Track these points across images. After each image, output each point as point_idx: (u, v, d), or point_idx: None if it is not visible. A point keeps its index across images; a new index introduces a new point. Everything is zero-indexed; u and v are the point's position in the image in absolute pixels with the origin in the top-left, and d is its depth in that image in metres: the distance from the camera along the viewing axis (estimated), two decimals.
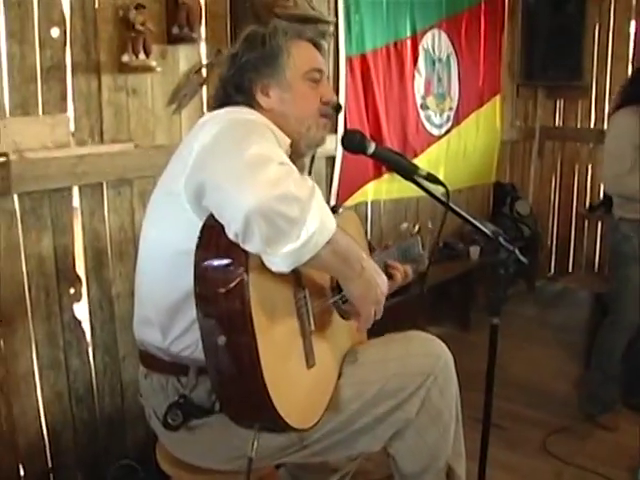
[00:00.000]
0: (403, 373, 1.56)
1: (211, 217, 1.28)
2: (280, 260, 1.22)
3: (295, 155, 1.55)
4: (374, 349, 1.65)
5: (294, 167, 1.28)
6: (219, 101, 1.58)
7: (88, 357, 2.24)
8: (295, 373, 1.39)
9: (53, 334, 2.12)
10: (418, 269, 3.74)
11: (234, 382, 1.29)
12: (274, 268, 1.23)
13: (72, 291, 2.17)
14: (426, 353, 1.62)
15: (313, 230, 1.20)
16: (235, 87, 1.55)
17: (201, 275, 1.27)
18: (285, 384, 1.33)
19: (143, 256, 1.53)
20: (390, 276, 1.73)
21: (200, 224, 1.30)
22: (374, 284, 1.41)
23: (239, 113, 1.46)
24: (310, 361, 1.44)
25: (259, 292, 1.26)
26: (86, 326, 2.23)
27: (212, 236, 1.27)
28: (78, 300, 2.19)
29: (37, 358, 2.08)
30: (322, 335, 1.53)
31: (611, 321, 2.86)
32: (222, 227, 1.24)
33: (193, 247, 1.29)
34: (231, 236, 1.22)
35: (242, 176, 1.20)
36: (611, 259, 3.00)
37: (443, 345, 1.67)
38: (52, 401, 2.14)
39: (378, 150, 1.57)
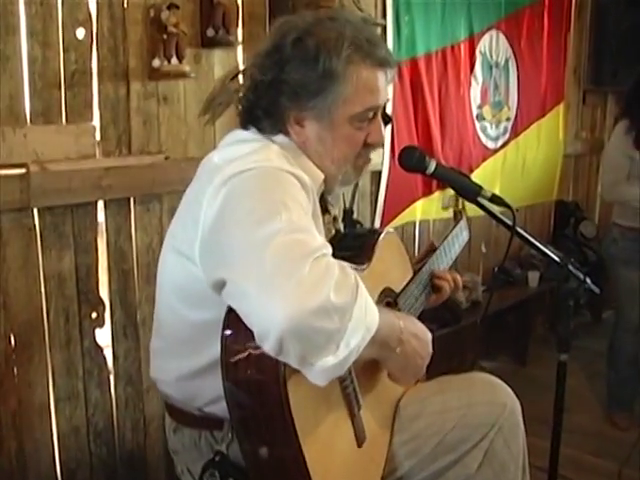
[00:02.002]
0: (464, 424, 1.51)
1: None
2: (315, 374, 1.13)
3: (326, 192, 1.48)
4: (431, 398, 1.59)
5: (328, 247, 1.16)
6: (244, 118, 1.43)
7: (109, 388, 2.21)
8: (346, 460, 1.35)
9: (72, 362, 2.10)
10: (471, 297, 3.68)
11: None
12: (309, 379, 1.14)
13: (94, 315, 2.15)
14: (490, 401, 1.55)
15: (356, 343, 1.12)
16: (265, 109, 1.38)
17: (229, 347, 1.21)
18: (336, 477, 1.30)
19: (160, 318, 1.46)
20: (438, 289, 1.72)
21: (222, 298, 1.21)
22: (412, 355, 1.34)
23: (255, 157, 1.27)
24: (360, 438, 1.39)
25: (297, 378, 1.18)
26: (108, 354, 2.21)
27: None
28: (100, 325, 2.17)
29: (53, 388, 2.06)
30: (369, 394, 1.46)
31: (615, 321, 3.31)
32: None
33: (215, 317, 1.22)
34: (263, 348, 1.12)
35: (271, 282, 1.07)
36: (605, 262, 3.56)
37: (508, 390, 1.61)
38: (68, 436, 2.12)
39: (439, 169, 1.52)
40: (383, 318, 1.21)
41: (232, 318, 1.18)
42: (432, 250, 1.79)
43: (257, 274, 1.09)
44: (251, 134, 1.40)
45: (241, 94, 1.45)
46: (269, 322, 1.06)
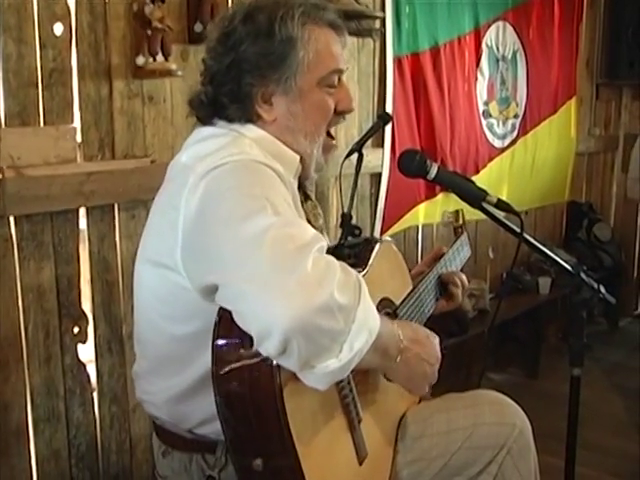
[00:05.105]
0: (470, 446, 1.52)
1: None
2: (316, 378, 1.13)
3: (303, 177, 1.48)
4: (435, 417, 1.59)
5: (322, 238, 1.17)
6: (209, 112, 1.41)
7: (92, 407, 2.20)
8: (346, 476, 1.35)
9: (52, 380, 2.09)
10: (478, 305, 3.68)
11: None
12: (308, 384, 1.14)
13: (76, 330, 2.14)
14: (497, 421, 1.57)
15: (359, 347, 1.12)
16: (230, 94, 1.38)
17: (220, 357, 1.20)
18: None
19: (141, 338, 1.46)
20: (449, 295, 1.77)
21: (210, 306, 1.21)
22: (416, 362, 1.34)
23: (228, 151, 1.28)
24: (361, 453, 1.39)
25: (294, 386, 1.18)
26: (91, 371, 2.20)
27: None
28: (83, 341, 2.17)
29: (32, 409, 2.05)
30: (370, 408, 1.46)
31: None
32: None
33: (203, 328, 1.22)
34: (262, 352, 1.11)
35: (271, 279, 1.07)
36: None
37: (518, 409, 1.62)
38: (48, 460, 2.10)
39: (440, 174, 1.54)
40: (383, 324, 1.21)
41: (222, 326, 1.18)
42: (436, 259, 1.81)
43: (254, 273, 1.09)
44: (217, 129, 1.40)
45: (200, 88, 1.45)
46: (272, 320, 1.06)
